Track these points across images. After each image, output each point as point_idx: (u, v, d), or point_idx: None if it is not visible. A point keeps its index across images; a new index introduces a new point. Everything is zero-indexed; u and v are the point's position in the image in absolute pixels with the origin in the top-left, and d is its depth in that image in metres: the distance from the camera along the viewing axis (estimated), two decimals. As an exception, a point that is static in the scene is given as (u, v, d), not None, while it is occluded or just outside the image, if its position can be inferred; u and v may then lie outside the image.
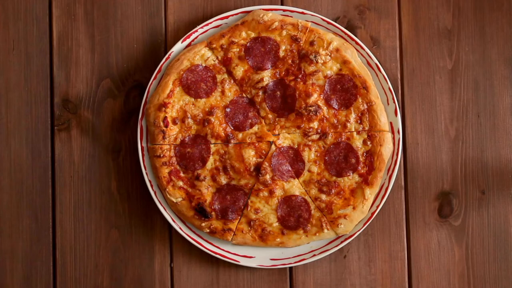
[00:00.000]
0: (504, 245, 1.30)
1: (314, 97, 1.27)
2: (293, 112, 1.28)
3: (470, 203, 1.30)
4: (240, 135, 1.28)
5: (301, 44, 1.28)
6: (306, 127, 1.27)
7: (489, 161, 1.31)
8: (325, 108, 1.28)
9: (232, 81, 1.29)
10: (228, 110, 1.28)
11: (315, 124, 1.27)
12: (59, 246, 1.30)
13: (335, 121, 1.27)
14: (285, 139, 1.28)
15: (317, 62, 1.27)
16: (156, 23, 1.33)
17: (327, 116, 1.27)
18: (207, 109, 1.28)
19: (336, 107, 1.28)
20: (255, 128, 1.29)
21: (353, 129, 1.27)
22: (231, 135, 1.28)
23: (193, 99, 1.29)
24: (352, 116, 1.27)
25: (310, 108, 1.27)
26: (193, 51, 1.28)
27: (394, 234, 1.30)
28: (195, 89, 1.28)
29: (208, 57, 1.29)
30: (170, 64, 1.29)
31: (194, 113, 1.28)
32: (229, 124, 1.28)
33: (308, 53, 1.28)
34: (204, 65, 1.29)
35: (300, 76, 1.28)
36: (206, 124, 1.28)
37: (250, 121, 1.29)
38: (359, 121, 1.27)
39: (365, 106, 1.27)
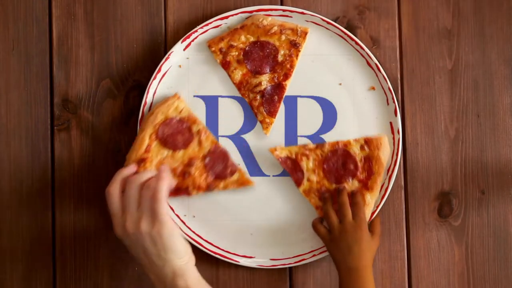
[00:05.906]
0: (504, 245, 1.30)
1: (313, 101, 1.27)
2: (291, 117, 1.28)
3: (470, 203, 1.30)
4: (221, 184, 1.28)
5: (300, 49, 1.28)
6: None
7: (489, 161, 1.31)
8: (322, 112, 1.28)
9: (207, 132, 1.27)
10: (207, 160, 1.27)
11: (313, 128, 1.28)
12: (59, 246, 1.30)
13: (333, 126, 1.28)
14: (283, 150, 1.28)
15: (315, 67, 1.28)
16: (156, 23, 1.33)
17: (325, 120, 1.28)
18: (186, 161, 1.27)
19: (333, 111, 1.28)
20: (235, 176, 1.27)
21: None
22: (212, 185, 1.27)
23: (171, 152, 1.27)
24: (350, 121, 1.28)
25: (308, 112, 1.27)
26: (167, 103, 1.26)
27: (394, 234, 1.30)
28: (172, 142, 1.27)
29: (182, 109, 1.27)
30: (145, 118, 1.27)
31: (173, 166, 1.27)
32: (210, 174, 1.27)
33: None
34: (178, 117, 1.27)
35: (298, 80, 1.28)
36: (187, 176, 1.27)
37: (230, 169, 1.28)
38: (356, 126, 1.28)
39: (362, 111, 1.28)
